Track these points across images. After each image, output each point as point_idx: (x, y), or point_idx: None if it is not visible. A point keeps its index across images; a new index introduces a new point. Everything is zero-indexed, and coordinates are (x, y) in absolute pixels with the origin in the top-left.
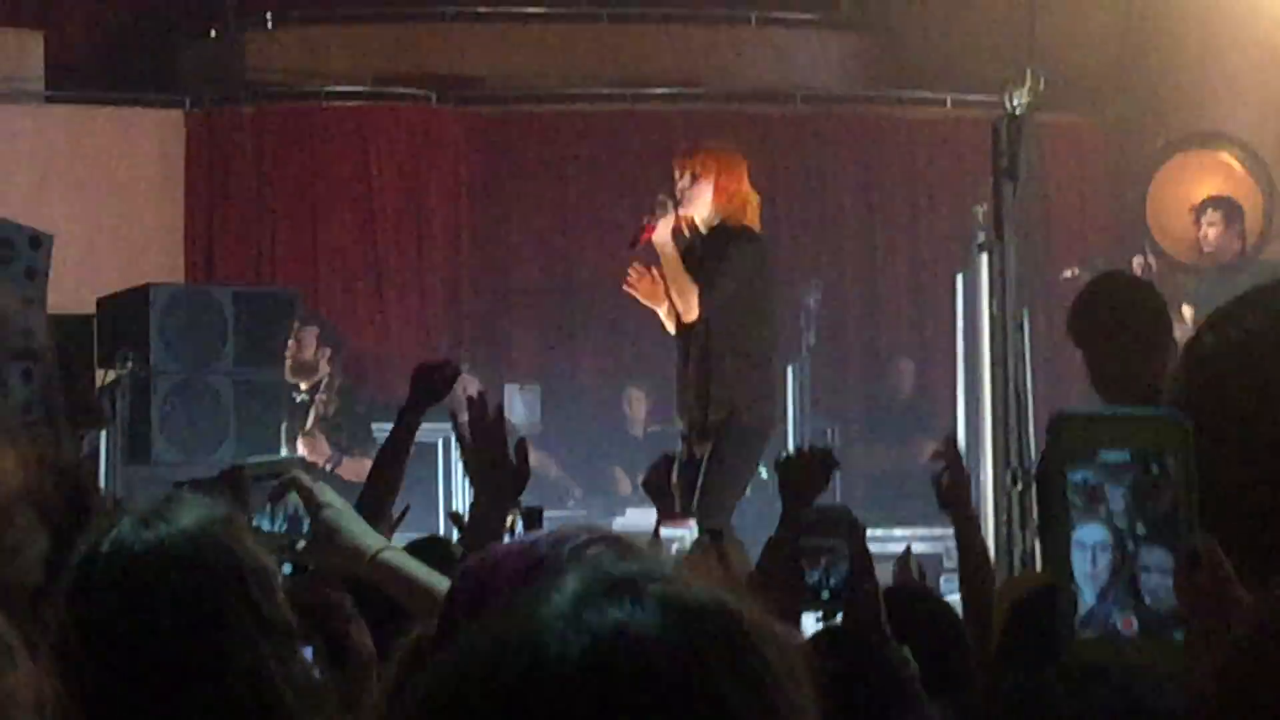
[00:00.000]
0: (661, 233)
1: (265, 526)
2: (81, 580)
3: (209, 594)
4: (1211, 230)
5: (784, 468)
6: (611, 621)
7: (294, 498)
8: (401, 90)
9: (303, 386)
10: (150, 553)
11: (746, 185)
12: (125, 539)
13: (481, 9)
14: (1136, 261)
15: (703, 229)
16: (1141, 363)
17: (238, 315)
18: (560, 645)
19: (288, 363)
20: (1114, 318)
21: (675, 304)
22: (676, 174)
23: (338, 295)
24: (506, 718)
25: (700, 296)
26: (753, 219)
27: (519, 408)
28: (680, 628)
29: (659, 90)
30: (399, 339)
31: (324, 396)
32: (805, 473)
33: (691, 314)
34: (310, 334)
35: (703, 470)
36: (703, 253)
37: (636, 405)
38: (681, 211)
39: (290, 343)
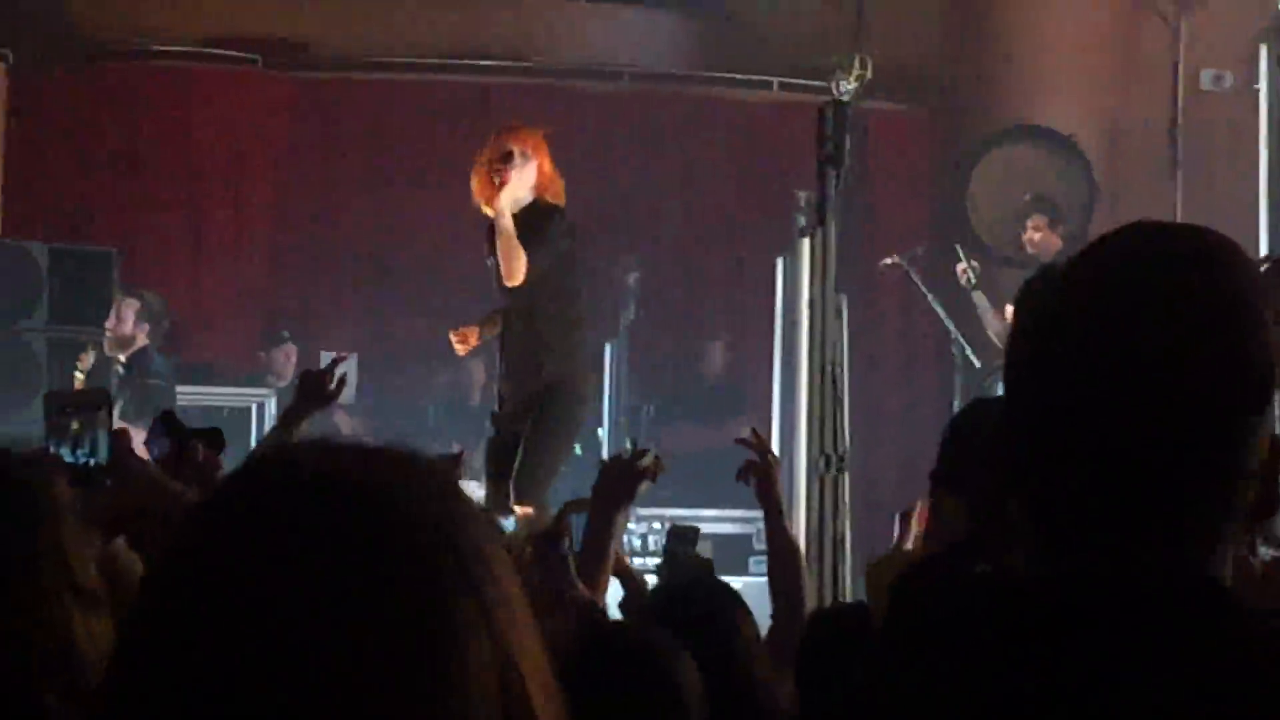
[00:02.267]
0: (507, 197)
1: (66, 456)
2: None
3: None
4: (1036, 234)
5: (605, 469)
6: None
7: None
8: (227, 53)
9: (121, 358)
10: None
11: (553, 166)
12: None
13: None
14: (959, 268)
15: (513, 207)
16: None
17: (54, 271)
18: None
19: (107, 335)
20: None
21: (502, 268)
22: (514, 149)
23: (157, 257)
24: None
25: (526, 264)
26: (560, 198)
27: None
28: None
29: (486, 62)
30: (217, 303)
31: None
32: (620, 481)
33: (515, 279)
34: (130, 308)
35: (524, 440)
36: (522, 227)
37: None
38: (515, 190)
39: (110, 315)
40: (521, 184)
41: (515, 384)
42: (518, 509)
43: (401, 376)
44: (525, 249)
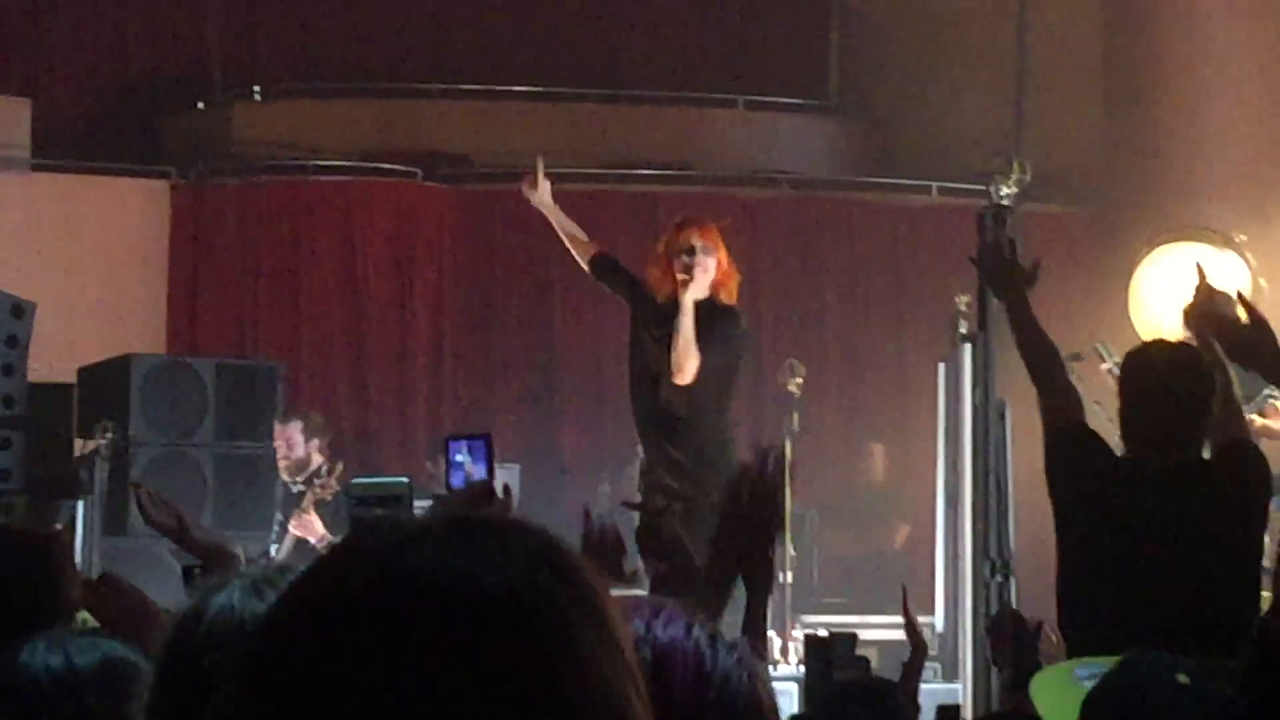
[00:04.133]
0: (694, 291)
1: None
2: (178, 639)
3: None
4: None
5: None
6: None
7: None
8: (387, 166)
9: (300, 480)
10: (255, 622)
11: (730, 262)
12: (233, 604)
13: (468, 86)
14: (1104, 368)
15: (702, 303)
16: (1181, 423)
17: (219, 387)
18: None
19: (281, 464)
20: (1158, 377)
21: (675, 362)
22: (697, 244)
23: (320, 370)
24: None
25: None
26: (733, 296)
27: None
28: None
29: (645, 171)
30: (381, 413)
31: (323, 481)
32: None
33: (685, 378)
34: (295, 429)
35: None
36: (702, 326)
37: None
38: (687, 280)
39: (278, 443)
40: (705, 278)
41: (665, 484)
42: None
43: (565, 486)
44: (699, 348)
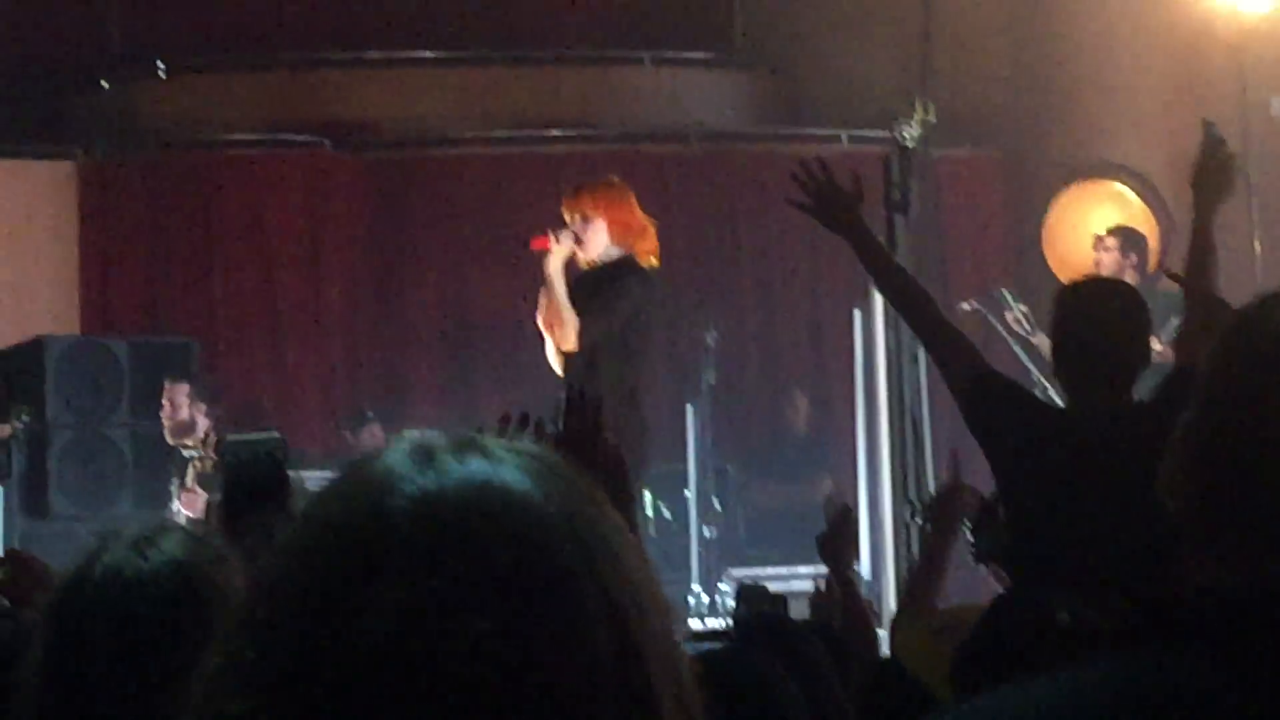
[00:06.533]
0: (554, 263)
1: None
2: (68, 601)
3: (192, 629)
4: (1106, 256)
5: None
6: (471, 469)
7: None
8: (294, 137)
9: (188, 443)
10: (142, 580)
11: (639, 214)
12: (118, 565)
13: (374, 54)
14: (1009, 317)
15: (600, 263)
16: (1117, 361)
17: (134, 366)
18: (415, 488)
19: (165, 424)
20: (1091, 311)
21: (554, 334)
22: (566, 217)
23: (235, 344)
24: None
25: (581, 329)
26: (652, 244)
27: None
28: (544, 479)
29: (554, 132)
30: (298, 387)
31: (200, 452)
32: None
33: (568, 344)
34: (180, 391)
35: None
36: (593, 286)
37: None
38: (581, 255)
39: (164, 403)
40: (595, 244)
41: None
42: None
43: None
44: (591, 307)
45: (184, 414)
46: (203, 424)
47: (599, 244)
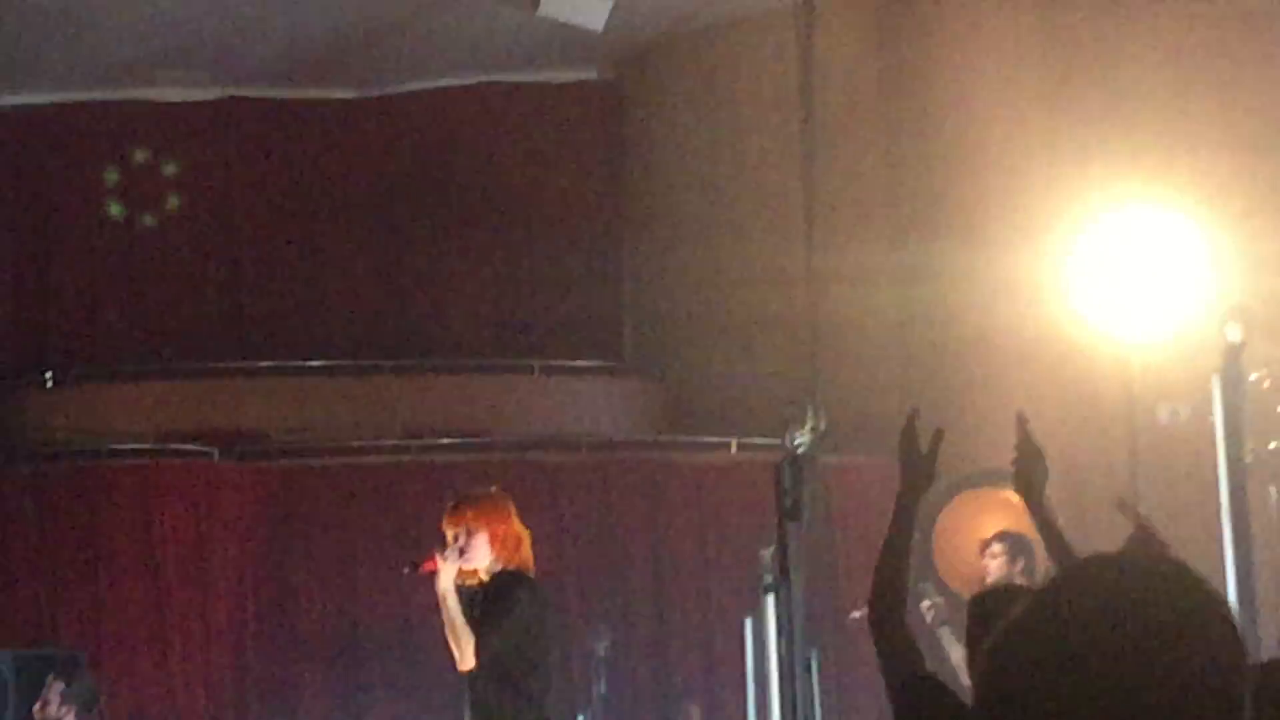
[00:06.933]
0: (444, 581)
1: None
2: None
3: None
4: (993, 563)
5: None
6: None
7: None
8: (182, 446)
9: None
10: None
11: (517, 524)
12: None
13: (263, 363)
14: (924, 605)
15: (484, 576)
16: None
17: (19, 678)
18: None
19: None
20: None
21: (453, 651)
22: (449, 534)
23: (123, 653)
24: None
25: (476, 646)
26: (527, 555)
27: None
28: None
29: (444, 441)
30: (185, 694)
31: None
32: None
33: (466, 663)
34: (56, 689)
35: None
36: (483, 602)
37: None
38: (465, 567)
39: (39, 701)
40: (479, 557)
41: None
42: None
43: None
44: (484, 622)
45: (53, 710)
46: None
47: (483, 556)
